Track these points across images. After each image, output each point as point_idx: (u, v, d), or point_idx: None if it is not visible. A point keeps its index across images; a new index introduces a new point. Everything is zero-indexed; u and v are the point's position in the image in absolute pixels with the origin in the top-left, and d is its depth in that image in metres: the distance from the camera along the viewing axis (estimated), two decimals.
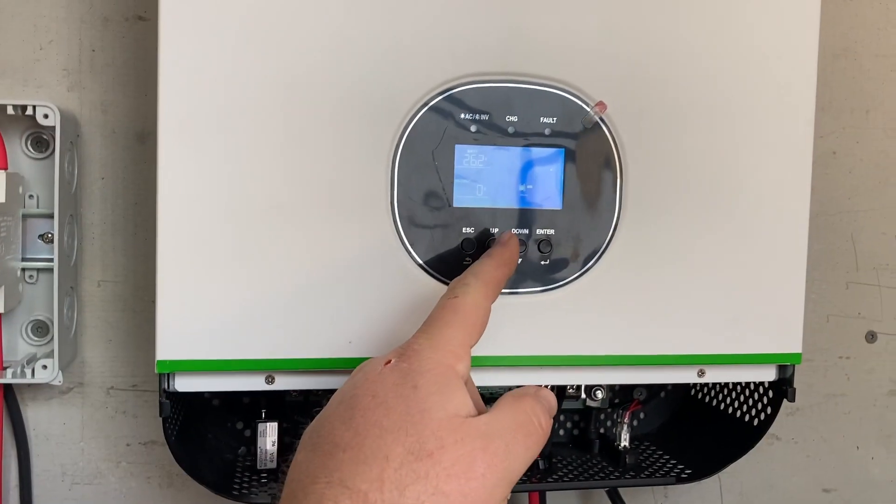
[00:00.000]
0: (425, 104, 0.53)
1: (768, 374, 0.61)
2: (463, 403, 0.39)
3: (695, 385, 0.72)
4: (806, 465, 0.80)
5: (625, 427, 0.67)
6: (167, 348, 0.51)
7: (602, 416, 0.70)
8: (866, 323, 0.79)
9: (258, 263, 0.51)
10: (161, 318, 0.51)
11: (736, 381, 0.61)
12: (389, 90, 0.52)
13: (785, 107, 0.58)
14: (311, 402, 0.61)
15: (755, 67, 0.57)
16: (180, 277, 0.51)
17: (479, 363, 0.53)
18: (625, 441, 0.67)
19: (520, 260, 0.54)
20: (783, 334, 0.59)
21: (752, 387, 0.65)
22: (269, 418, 0.61)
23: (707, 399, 0.70)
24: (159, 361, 0.51)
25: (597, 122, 0.55)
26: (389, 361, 0.40)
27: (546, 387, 0.45)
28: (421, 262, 0.53)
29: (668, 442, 0.70)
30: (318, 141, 0.52)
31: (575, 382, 0.58)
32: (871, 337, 0.79)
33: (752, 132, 0.57)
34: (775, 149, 0.58)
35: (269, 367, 0.53)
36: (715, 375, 0.60)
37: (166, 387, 0.52)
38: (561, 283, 0.55)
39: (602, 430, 0.71)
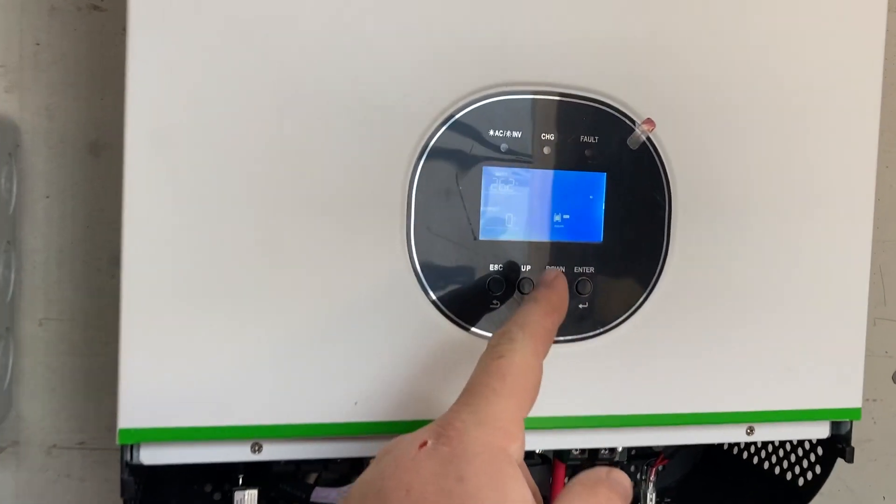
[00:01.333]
0: (448, 119, 0.44)
1: (822, 431, 0.54)
2: (522, 497, 0.31)
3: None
4: None
5: (650, 486, 0.60)
6: (131, 414, 0.41)
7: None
8: (893, 362, 0.73)
9: (245, 309, 0.42)
10: (125, 375, 0.41)
11: (788, 439, 0.54)
12: (406, 102, 0.44)
13: (848, 138, 0.51)
14: (305, 471, 0.52)
15: (820, 87, 0.50)
16: (149, 323, 0.41)
17: None
18: (651, 501, 0.59)
19: None
20: (841, 387, 0.52)
21: (794, 442, 0.58)
22: (247, 484, 0.52)
23: (735, 451, 0.63)
24: (122, 430, 0.41)
25: (644, 143, 0.47)
26: (425, 443, 0.32)
27: (616, 465, 0.37)
28: (442, 306, 0.45)
29: (694, 499, 0.63)
30: (322, 162, 0.43)
31: (614, 445, 0.50)
32: None
33: (816, 163, 0.50)
34: (839, 184, 0.51)
35: (257, 435, 0.43)
36: (765, 433, 0.52)
37: (129, 459, 0.42)
38: (599, 330, 0.47)
39: None
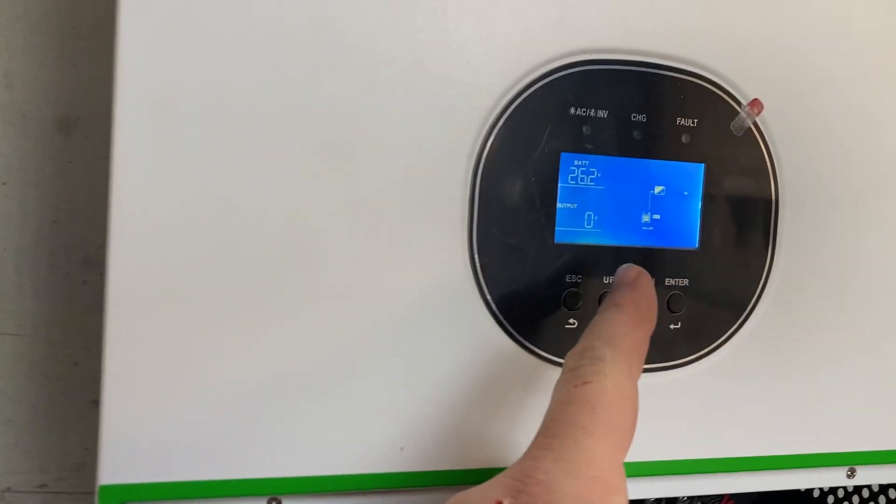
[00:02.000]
0: (519, 94, 0.35)
1: None
2: None
3: None
4: None
5: None
6: (115, 467, 0.31)
7: None
8: None
9: (262, 330, 0.33)
10: (108, 417, 0.31)
11: (893, 482, 0.46)
12: (471, 72, 0.35)
13: None
14: None
15: None
16: (140, 348, 0.31)
17: None
18: None
19: None
20: None
21: (876, 487, 0.50)
22: None
23: (816, 494, 0.55)
24: (103, 488, 0.31)
25: (749, 128, 0.39)
26: (500, 503, 0.24)
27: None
28: (507, 324, 0.36)
29: None
30: (366, 143, 0.33)
31: (703, 493, 0.42)
32: None
33: None
34: None
35: (274, 490, 0.34)
36: (868, 476, 0.44)
37: None
38: (691, 357, 0.39)
39: None
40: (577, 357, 0.29)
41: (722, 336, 0.39)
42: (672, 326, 0.38)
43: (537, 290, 0.36)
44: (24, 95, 0.44)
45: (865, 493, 0.51)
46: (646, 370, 0.38)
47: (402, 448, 0.35)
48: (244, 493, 0.33)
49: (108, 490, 0.31)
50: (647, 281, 0.34)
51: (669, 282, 0.38)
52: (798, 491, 0.56)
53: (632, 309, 0.32)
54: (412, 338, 0.35)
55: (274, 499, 0.34)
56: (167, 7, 0.31)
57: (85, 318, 0.45)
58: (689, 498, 0.47)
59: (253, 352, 0.33)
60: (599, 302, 0.37)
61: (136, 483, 0.32)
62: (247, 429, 0.33)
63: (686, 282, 0.38)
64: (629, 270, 0.35)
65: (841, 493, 0.53)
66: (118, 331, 0.31)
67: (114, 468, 0.31)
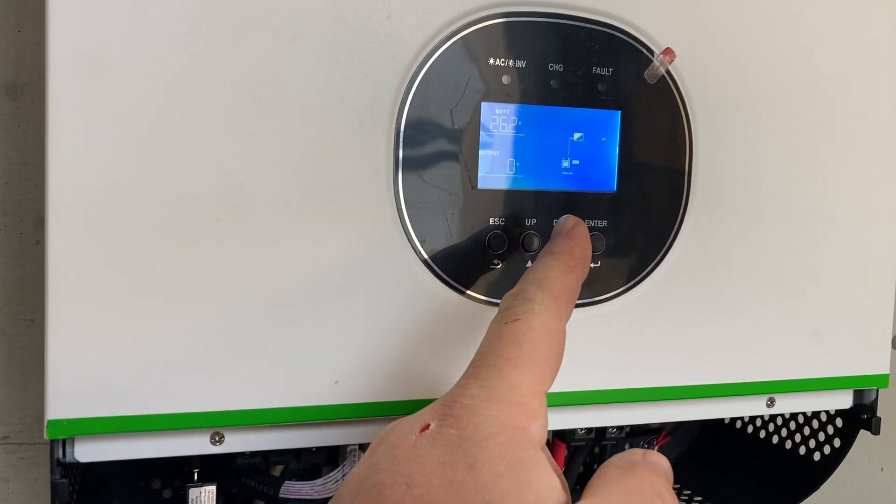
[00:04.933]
0: (439, 45, 0.37)
1: (845, 401, 0.49)
2: (548, 486, 0.25)
3: None
4: (826, 491, 0.69)
5: None
6: (62, 402, 0.33)
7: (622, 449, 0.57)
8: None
9: (199, 272, 0.35)
10: (53, 355, 0.33)
11: (812, 409, 0.49)
12: (390, 24, 0.36)
13: (884, 96, 0.46)
14: (272, 462, 0.44)
15: (862, 37, 0.45)
16: (81, 294, 0.33)
17: None
18: None
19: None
20: (868, 352, 0.47)
21: (808, 415, 0.53)
22: (204, 479, 0.44)
23: (739, 424, 0.58)
24: (51, 423, 0.33)
25: (663, 76, 0.41)
26: (427, 426, 0.26)
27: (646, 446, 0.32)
28: (435, 266, 0.38)
29: (694, 479, 0.58)
30: (291, 94, 0.35)
31: (625, 423, 0.44)
32: None
33: (848, 116, 0.45)
34: (871, 139, 0.46)
35: (217, 423, 0.36)
36: (787, 405, 0.47)
37: (61, 456, 0.35)
38: (612, 293, 0.41)
39: None
40: (511, 298, 0.32)
41: (640, 274, 0.42)
42: (593, 265, 0.41)
43: (463, 234, 0.38)
44: None
45: (806, 430, 0.54)
46: None
47: (336, 382, 0.37)
48: (187, 426, 0.35)
49: (56, 424, 0.33)
50: (582, 231, 0.37)
51: (589, 223, 0.40)
52: (733, 428, 0.59)
53: (565, 256, 0.34)
54: (345, 282, 0.37)
55: (217, 432, 0.37)
56: None
57: (39, 277, 0.46)
58: (617, 428, 0.49)
59: (191, 293, 0.35)
60: (521, 243, 0.39)
61: (83, 418, 0.34)
62: (189, 365, 0.35)
63: (605, 223, 0.41)
64: (567, 220, 0.38)
65: (772, 428, 0.56)
66: (60, 275, 0.33)
67: (60, 404, 0.33)
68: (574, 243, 0.35)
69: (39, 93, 0.46)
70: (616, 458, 0.29)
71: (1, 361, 0.47)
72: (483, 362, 0.29)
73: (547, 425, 0.28)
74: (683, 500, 0.56)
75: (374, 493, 0.25)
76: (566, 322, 0.32)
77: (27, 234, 0.47)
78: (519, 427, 0.26)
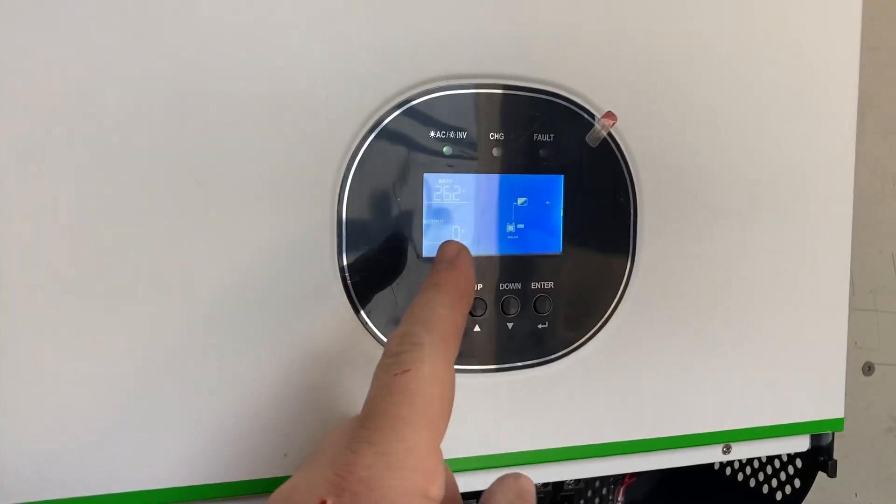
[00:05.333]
0: (381, 120, 0.38)
1: (802, 445, 0.50)
2: None
3: None
4: None
5: None
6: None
7: (588, 493, 0.58)
8: (863, 353, 0.70)
9: (136, 340, 0.35)
10: None
11: (768, 454, 0.50)
12: (331, 102, 0.37)
13: (823, 122, 0.46)
14: None
15: (792, 75, 0.45)
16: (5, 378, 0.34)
17: (452, 466, 0.39)
18: None
19: (510, 324, 0.40)
20: (823, 397, 0.48)
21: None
22: None
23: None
24: None
25: (604, 139, 0.42)
26: (324, 503, 0.25)
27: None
28: (381, 335, 0.39)
29: None
30: (230, 176, 0.36)
31: (581, 476, 0.45)
32: (867, 369, 0.70)
33: (792, 161, 0.46)
34: (815, 183, 0.46)
35: (162, 500, 0.37)
36: (743, 451, 0.48)
37: None
38: (562, 352, 0.42)
39: None
40: (398, 342, 0.29)
41: (589, 332, 0.42)
42: (541, 326, 0.41)
43: (409, 303, 0.39)
44: None
45: (769, 469, 0.54)
46: (517, 367, 0.41)
47: (285, 455, 0.38)
48: None
49: None
50: (466, 259, 0.34)
51: (535, 285, 0.41)
52: (700, 466, 0.59)
53: (451, 288, 0.32)
54: (292, 356, 0.37)
55: None
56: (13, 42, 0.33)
57: None
58: (574, 481, 0.50)
59: (121, 364, 0.35)
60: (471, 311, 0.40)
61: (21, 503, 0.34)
62: (128, 442, 0.35)
63: (551, 284, 0.41)
64: (449, 246, 0.34)
65: (737, 465, 0.56)
66: None
67: None
68: (458, 273, 0.33)
69: None
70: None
71: None
72: (375, 424, 0.27)
73: (444, 483, 0.28)
74: None
75: None
76: (453, 362, 0.30)
77: None
78: (419, 494, 0.26)
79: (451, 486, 0.32)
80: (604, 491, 0.55)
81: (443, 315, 0.31)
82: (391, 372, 0.28)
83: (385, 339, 0.39)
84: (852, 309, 0.68)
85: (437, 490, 0.27)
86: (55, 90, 0.33)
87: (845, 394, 0.69)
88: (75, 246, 0.34)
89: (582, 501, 0.54)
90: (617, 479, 0.55)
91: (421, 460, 0.26)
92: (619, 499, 0.55)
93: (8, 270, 0.33)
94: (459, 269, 0.33)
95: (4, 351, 0.33)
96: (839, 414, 0.48)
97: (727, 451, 0.47)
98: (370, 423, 0.27)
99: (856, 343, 0.70)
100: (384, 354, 0.29)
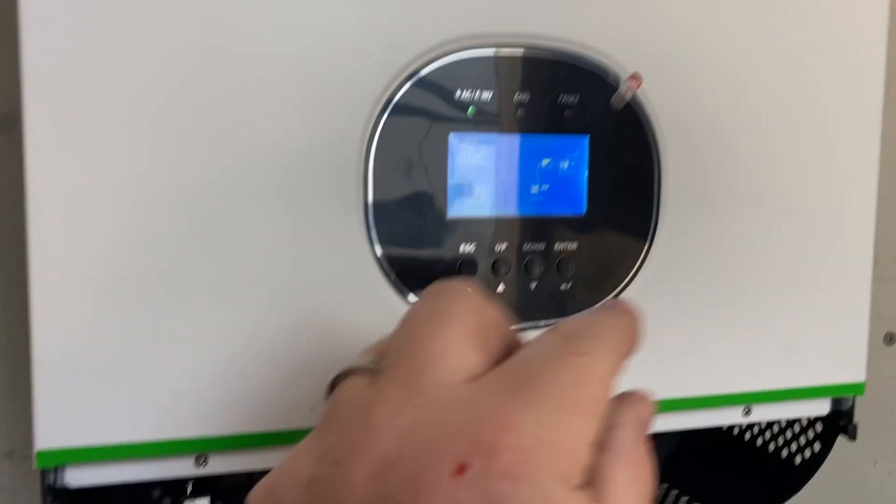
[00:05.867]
0: (407, 80, 0.38)
1: (823, 408, 0.50)
2: None
3: None
4: (819, 485, 0.70)
5: None
6: (51, 433, 0.35)
7: None
8: (885, 324, 0.69)
9: (181, 304, 0.36)
10: (40, 387, 0.35)
11: (788, 417, 0.50)
12: (358, 62, 0.38)
13: (850, 90, 0.46)
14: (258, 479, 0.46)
15: (820, 44, 0.45)
16: (66, 325, 0.35)
17: None
18: None
19: (533, 285, 0.41)
20: (844, 361, 0.48)
21: (789, 418, 0.54)
22: (197, 493, 0.46)
23: (724, 427, 0.59)
24: (40, 453, 0.35)
25: (629, 102, 0.42)
26: (465, 468, 0.19)
27: None
28: (408, 294, 0.39)
29: (681, 479, 0.59)
30: (262, 135, 0.37)
31: None
32: (889, 339, 0.70)
33: (818, 122, 0.45)
34: (841, 144, 0.46)
35: (201, 448, 0.38)
36: (764, 413, 0.48)
37: (52, 483, 0.37)
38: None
39: None
40: (584, 326, 0.24)
41: (612, 293, 0.43)
42: (563, 287, 0.42)
43: (435, 263, 0.40)
44: None
45: (788, 433, 0.55)
46: (540, 327, 0.42)
47: (312, 407, 0.38)
48: (171, 451, 0.37)
49: (45, 454, 0.35)
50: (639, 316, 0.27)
51: (559, 246, 0.42)
52: (719, 430, 0.60)
53: (630, 327, 0.26)
54: (321, 313, 0.38)
55: (201, 455, 0.38)
56: (67, 17, 0.34)
57: None
58: None
59: (171, 325, 0.36)
60: (493, 268, 0.40)
61: (71, 447, 0.36)
62: (172, 393, 0.37)
63: (575, 245, 0.42)
64: (623, 304, 0.27)
65: (756, 430, 0.57)
66: (44, 308, 0.35)
67: (49, 434, 0.35)
68: (635, 322, 0.27)
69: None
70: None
71: (5, 381, 0.49)
72: (540, 392, 0.21)
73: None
74: (671, 500, 0.58)
75: None
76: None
77: (23, 261, 0.49)
78: (567, 482, 0.21)
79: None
80: None
81: (624, 342, 0.25)
82: (569, 350, 0.23)
83: (412, 298, 0.39)
84: (875, 279, 0.68)
85: (575, 482, 0.21)
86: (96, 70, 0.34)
87: (866, 364, 0.69)
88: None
89: None
90: None
91: (578, 448, 0.21)
92: None
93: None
94: (635, 319, 0.26)
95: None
96: (860, 378, 0.48)
97: (748, 412, 0.48)
98: (533, 388, 0.22)
99: (878, 313, 0.70)
100: (557, 330, 0.24)
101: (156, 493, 0.51)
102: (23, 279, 0.49)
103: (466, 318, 0.24)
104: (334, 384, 0.24)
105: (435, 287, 0.25)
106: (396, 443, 0.20)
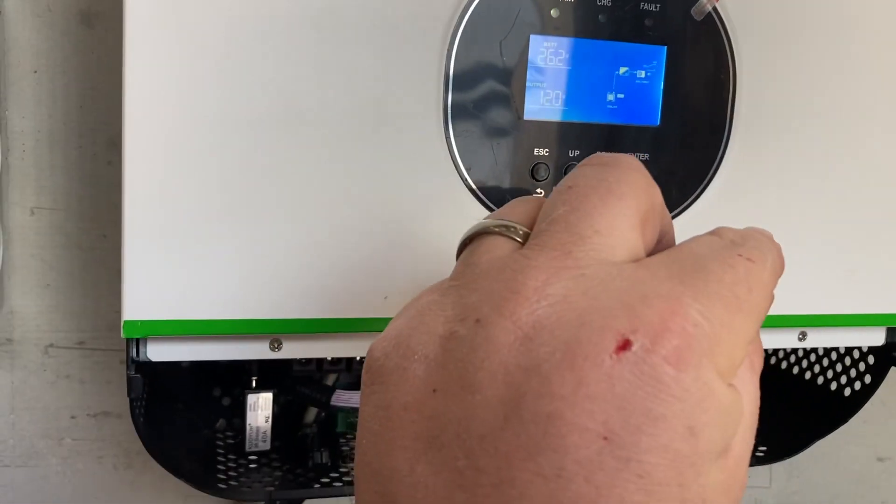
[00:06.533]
0: None
1: (877, 338, 0.50)
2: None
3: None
4: (862, 433, 0.70)
5: None
6: (137, 305, 0.37)
7: None
8: None
9: (262, 192, 0.37)
10: (129, 261, 0.36)
11: (844, 345, 0.50)
12: None
13: None
14: (326, 371, 0.48)
15: None
16: (155, 211, 0.36)
17: None
18: None
19: None
20: None
21: (841, 350, 0.54)
22: (261, 387, 0.48)
23: (773, 360, 0.60)
24: (127, 323, 0.37)
25: (710, 13, 0.42)
26: (628, 345, 0.18)
27: None
28: (480, 193, 0.40)
29: None
30: (347, 26, 0.37)
31: None
32: None
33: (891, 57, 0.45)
34: None
35: (276, 330, 0.39)
36: (818, 339, 0.49)
37: (135, 355, 0.38)
38: None
39: None
40: (737, 234, 0.24)
41: (681, 205, 0.43)
42: None
43: (508, 164, 0.40)
44: None
45: (839, 366, 0.55)
46: None
47: (385, 297, 0.39)
48: (249, 331, 0.38)
49: (132, 325, 0.37)
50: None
51: (632, 155, 0.42)
52: (767, 362, 0.60)
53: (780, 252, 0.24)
54: (396, 206, 0.39)
55: (276, 338, 0.40)
56: None
57: (111, 195, 0.50)
58: None
59: (255, 211, 0.37)
60: (565, 173, 0.41)
61: (155, 320, 0.37)
62: (252, 275, 0.38)
63: (647, 156, 0.42)
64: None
65: (805, 364, 0.57)
66: (135, 190, 0.36)
67: (135, 306, 0.37)
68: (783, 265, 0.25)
69: (112, 22, 0.49)
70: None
71: (77, 273, 0.51)
72: (709, 283, 0.20)
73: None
74: None
75: (548, 432, 0.18)
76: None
77: (100, 155, 0.50)
78: (726, 384, 0.20)
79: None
80: None
81: (780, 257, 0.24)
82: (737, 252, 0.22)
83: (481, 195, 0.40)
84: None
85: (729, 380, 0.21)
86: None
87: None
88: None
89: None
90: None
91: (738, 348, 0.20)
92: None
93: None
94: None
95: None
96: None
97: (803, 337, 0.48)
98: (704, 280, 0.20)
99: None
100: (720, 234, 0.23)
101: (216, 392, 0.53)
102: (98, 172, 0.50)
103: (635, 198, 0.22)
104: (466, 243, 0.23)
105: (603, 157, 0.23)
106: (550, 310, 0.19)
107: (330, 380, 0.49)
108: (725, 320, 0.20)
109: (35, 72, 0.49)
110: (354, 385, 0.49)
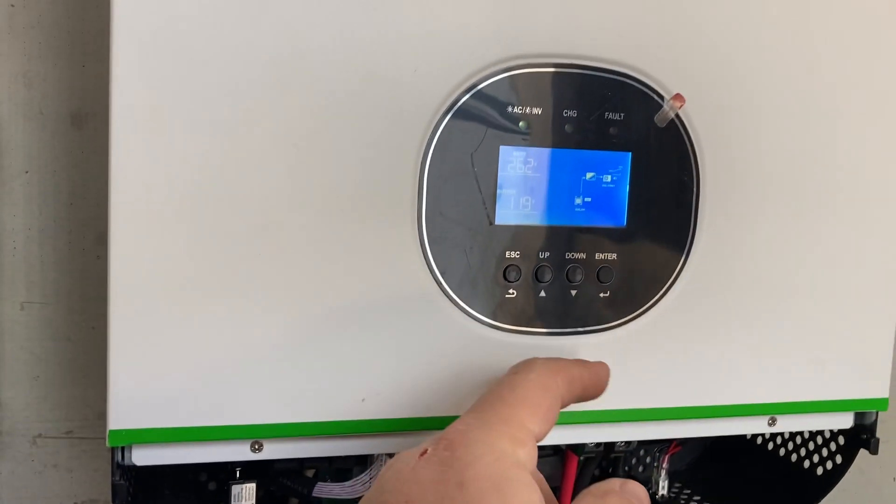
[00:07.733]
0: (462, 95, 0.41)
1: (846, 421, 0.52)
2: (530, 502, 0.28)
3: None
4: (837, 498, 0.71)
5: (663, 473, 0.58)
6: (122, 414, 0.38)
7: (633, 460, 0.60)
8: None
9: (243, 299, 0.39)
10: (114, 372, 0.38)
11: (811, 429, 0.52)
12: (417, 77, 0.40)
13: (885, 110, 0.48)
14: (307, 465, 0.49)
15: (856, 68, 0.47)
16: (139, 315, 0.38)
17: None
18: (663, 489, 0.57)
19: (573, 292, 0.43)
20: (868, 377, 0.50)
21: (813, 430, 0.55)
22: (245, 478, 0.49)
23: (749, 436, 0.61)
24: (112, 432, 0.38)
25: (672, 120, 0.44)
26: (426, 451, 0.30)
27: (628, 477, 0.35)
28: (454, 295, 0.42)
29: (706, 486, 0.61)
30: (326, 143, 0.39)
31: (633, 438, 0.48)
32: None
33: (851, 150, 0.47)
34: (872, 172, 0.48)
35: (257, 435, 0.40)
36: (787, 424, 0.50)
37: (120, 460, 0.39)
38: (621, 321, 0.45)
39: (630, 472, 0.60)
40: (519, 364, 0.38)
41: (648, 302, 0.45)
42: (602, 295, 0.44)
43: (481, 267, 0.42)
44: (41, 94, 0.50)
45: (811, 445, 0.57)
46: (573, 334, 0.44)
47: (363, 399, 0.41)
48: (230, 436, 0.40)
49: (117, 434, 0.38)
50: (605, 370, 0.41)
51: (599, 256, 0.44)
52: (743, 439, 0.61)
53: (586, 365, 0.40)
54: (373, 311, 0.41)
55: (256, 441, 0.41)
56: (152, 24, 0.37)
57: (100, 289, 0.51)
58: (625, 442, 0.53)
59: (234, 318, 0.39)
60: (535, 275, 0.43)
61: (140, 428, 0.38)
62: (232, 382, 0.39)
63: (614, 256, 0.44)
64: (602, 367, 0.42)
65: (779, 440, 0.58)
66: (120, 300, 0.37)
67: (121, 416, 0.38)
68: (599, 368, 0.41)
69: (102, 122, 0.51)
70: (594, 487, 0.32)
71: (66, 365, 0.52)
72: (481, 402, 0.33)
73: (535, 456, 0.32)
74: None
75: None
76: (561, 399, 0.36)
77: (88, 251, 0.52)
78: (506, 451, 0.30)
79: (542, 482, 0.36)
80: (647, 459, 0.58)
81: (566, 366, 0.38)
82: (504, 376, 0.35)
83: (454, 297, 0.42)
84: None
85: (524, 455, 0.31)
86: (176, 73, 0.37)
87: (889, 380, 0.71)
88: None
89: (634, 460, 0.57)
90: (662, 448, 0.58)
91: (513, 428, 0.31)
92: (664, 465, 0.57)
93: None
94: (599, 368, 0.41)
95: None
96: (884, 394, 0.50)
97: (772, 423, 0.49)
98: (477, 403, 0.33)
99: None
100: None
101: (203, 477, 0.54)
102: (87, 266, 0.52)
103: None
104: None
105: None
106: None
107: (311, 472, 0.50)
108: (491, 415, 0.32)
109: (26, 172, 0.51)
110: (335, 476, 0.50)
